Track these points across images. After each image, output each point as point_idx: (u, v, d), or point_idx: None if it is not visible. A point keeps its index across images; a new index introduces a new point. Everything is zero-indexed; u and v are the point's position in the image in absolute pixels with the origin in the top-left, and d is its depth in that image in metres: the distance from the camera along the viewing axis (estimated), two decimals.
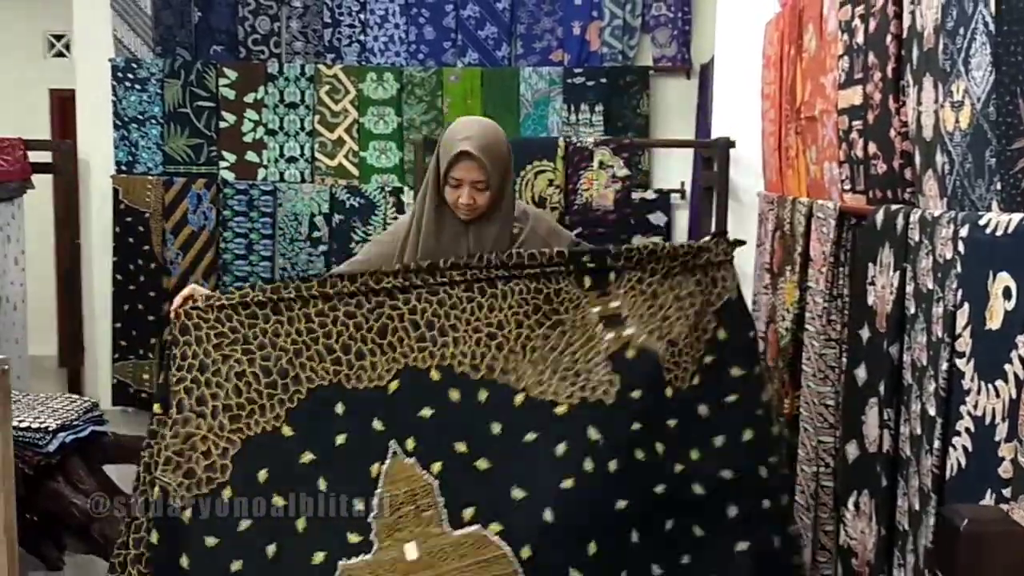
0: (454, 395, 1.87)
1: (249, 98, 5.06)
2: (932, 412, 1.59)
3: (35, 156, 4.92)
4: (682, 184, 5.02)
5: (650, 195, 5.00)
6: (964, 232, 1.48)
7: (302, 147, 5.09)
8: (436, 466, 1.82)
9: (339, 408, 1.86)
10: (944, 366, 1.53)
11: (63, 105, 6.93)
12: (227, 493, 1.82)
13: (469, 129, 2.07)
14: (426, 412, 1.86)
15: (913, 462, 1.72)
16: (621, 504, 1.80)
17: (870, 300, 1.99)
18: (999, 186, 1.42)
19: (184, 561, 1.79)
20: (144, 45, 5.18)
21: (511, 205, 2.13)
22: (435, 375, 1.87)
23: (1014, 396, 1.31)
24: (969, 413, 1.44)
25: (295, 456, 1.84)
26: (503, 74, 5.04)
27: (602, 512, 1.79)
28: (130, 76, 5.09)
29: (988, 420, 1.38)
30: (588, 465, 1.79)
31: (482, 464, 1.82)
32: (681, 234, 5.00)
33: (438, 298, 1.90)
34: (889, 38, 1.92)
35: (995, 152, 1.42)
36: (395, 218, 4.97)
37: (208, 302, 1.93)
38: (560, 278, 1.92)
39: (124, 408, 5.13)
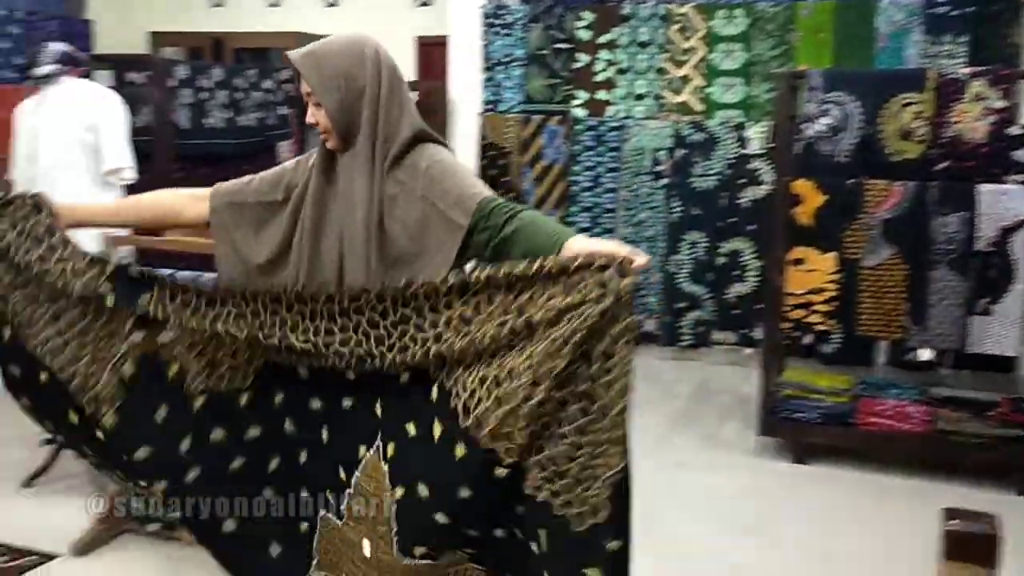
0: (437, 429, 1.57)
1: (603, 39, 5.38)
2: None
3: None
4: None
5: (1015, 130, 4.69)
6: None
7: (650, 84, 5.35)
8: (399, 491, 1.60)
9: (351, 375, 1.65)
10: None
11: (426, 51, 7.73)
12: (243, 399, 1.74)
13: (317, 41, 1.80)
14: (411, 428, 1.61)
15: None
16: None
17: None
18: None
19: (184, 444, 1.73)
20: None
21: (377, 141, 1.74)
22: (435, 394, 1.57)
23: None
24: None
25: (309, 396, 1.72)
26: (858, 6, 4.94)
27: None
28: (498, 22, 5.60)
29: None
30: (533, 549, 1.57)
31: (440, 518, 1.57)
32: None
33: (472, 334, 1.53)
34: None
35: None
36: (737, 154, 5.10)
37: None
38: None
39: None
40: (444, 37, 6.65)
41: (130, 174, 3.51)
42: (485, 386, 1.49)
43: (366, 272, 1.72)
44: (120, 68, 4.37)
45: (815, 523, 3.35)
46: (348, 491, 1.67)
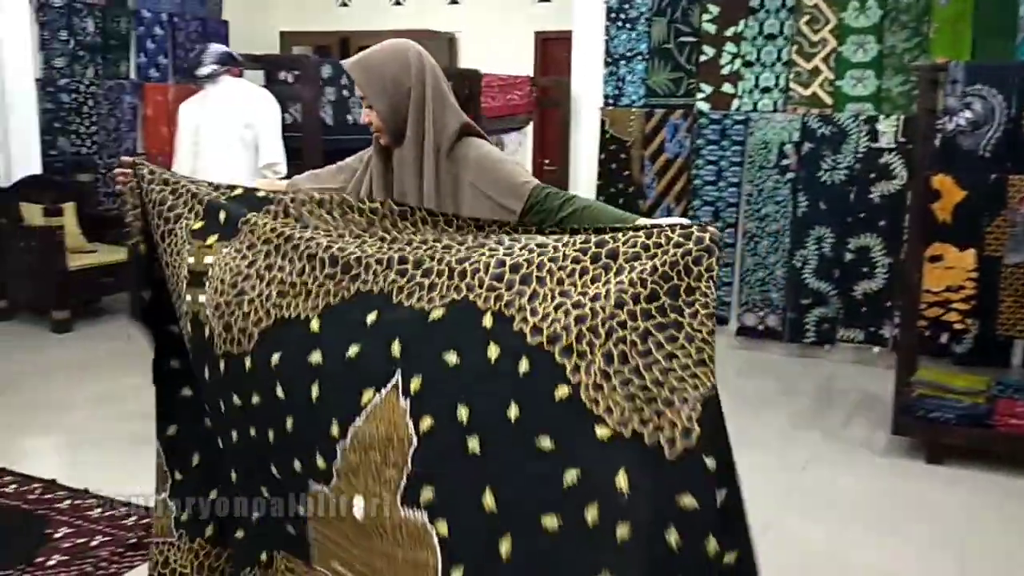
0: (493, 351, 1.49)
1: (729, 31, 5.35)
2: None
3: None
4: None
5: None
6: None
7: (777, 77, 5.29)
8: (426, 422, 1.50)
9: (371, 317, 1.60)
10: None
11: (545, 46, 7.82)
12: (247, 363, 1.70)
13: (367, 49, 1.96)
14: (451, 358, 1.52)
15: None
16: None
17: None
18: None
19: (223, 407, 1.79)
20: None
21: (425, 137, 1.89)
22: (488, 321, 1.52)
23: None
24: None
25: (307, 353, 1.64)
26: None
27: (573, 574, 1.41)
28: (622, 16, 5.63)
29: None
30: (591, 515, 1.39)
31: (471, 444, 1.47)
32: None
33: (549, 254, 1.55)
34: None
35: None
36: (867, 148, 5.01)
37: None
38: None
39: None
40: (563, 32, 6.72)
41: (283, 169, 3.72)
42: (562, 310, 1.48)
43: None
44: (271, 68, 4.61)
45: (951, 523, 3.29)
46: (342, 443, 1.57)
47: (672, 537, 1.39)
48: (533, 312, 1.48)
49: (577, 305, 1.47)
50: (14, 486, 3.38)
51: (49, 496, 3.30)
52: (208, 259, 1.79)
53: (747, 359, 5.36)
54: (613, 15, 5.66)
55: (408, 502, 1.50)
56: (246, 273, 1.73)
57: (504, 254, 1.56)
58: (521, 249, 1.56)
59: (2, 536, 3.00)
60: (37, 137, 6.10)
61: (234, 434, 1.77)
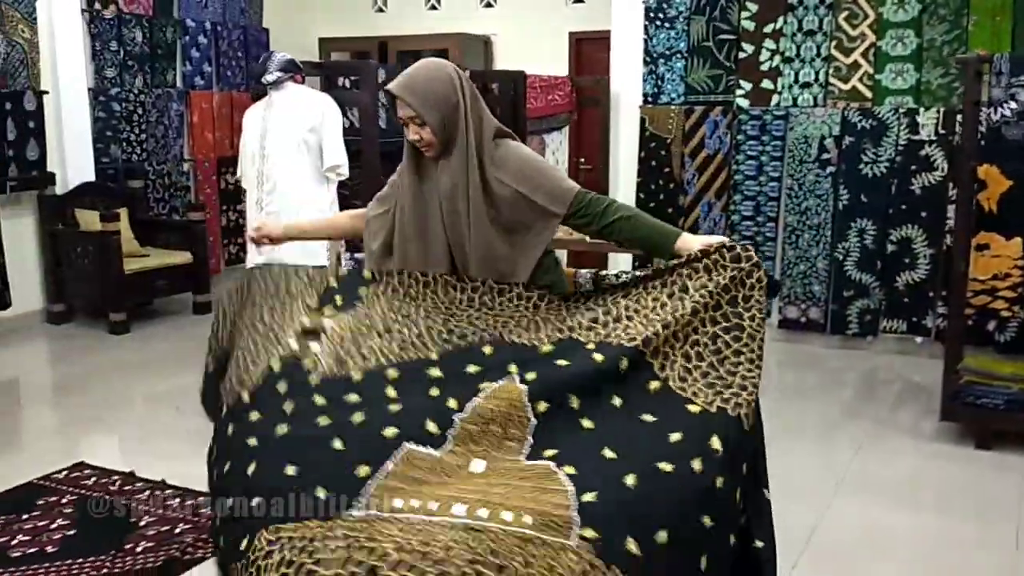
0: (598, 356, 1.88)
1: (768, 28, 5.43)
2: None
3: None
4: None
5: None
6: None
7: (817, 73, 5.36)
8: (542, 405, 1.81)
9: (487, 350, 1.94)
10: None
11: (580, 46, 7.91)
12: (356, 375, 1.91)
13: (404, 72, 2.11)
14: (562, 362, 1.89)
15: None
16: (706, 519, 1.70)
17: None
18: None
19: (288, 406, 1.87)
20: None
21: (469, 143, 2.07)
22: (591, 347, 1.91)
23: None
24: None
25: (426, 368, 1.92)
26: None
27: (688, 514, 1.69)
28: (660, 16, 5.72)
29: None
30: (696, 465, 1.73)
31: (586, 423, 1.80)
32: None
33: (633, 297, 1.99)
34: None
35: None
36: (907, 140, 5.07)
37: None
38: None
39: None
40: (597, 32, 6.81)
41: (346, 171, 3.85)
42: (651, 327, 1.89)
43: (470, 246, 2.07)
44: (331, 73, 4.74)
45: (1005, 505, 3.35)
46: (460, 415, 1.80)
47: (737, 495, 1.77)
48: (626, 333, 1.90)
49: (662, 319, 1.91)
50: (94, 478, 3.53)
51: (128, 487, 3.44)
52: (326, 321, 2.00)
53: (790, 351, 5.43)
54: (652, 14, 5.74)
55: (533, 459, 1.75)
56: (367, 335, 1.97)
57: (597, 307, 1.98)
58: (611, 303, 1.98)
59: (91, 524, 3.15)
60: (91, 145, 6.28)
61: (285, 427, 1.83)
